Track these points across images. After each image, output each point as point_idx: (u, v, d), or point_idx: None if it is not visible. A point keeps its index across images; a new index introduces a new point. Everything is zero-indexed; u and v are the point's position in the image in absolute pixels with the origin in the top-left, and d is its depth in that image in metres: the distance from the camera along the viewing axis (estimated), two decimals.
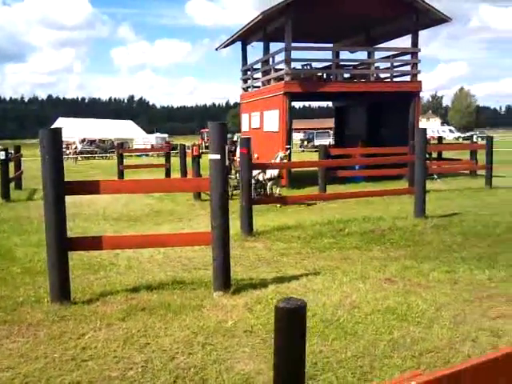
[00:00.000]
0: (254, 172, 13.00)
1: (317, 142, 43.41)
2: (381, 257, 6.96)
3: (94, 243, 5.45)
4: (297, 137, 62.06)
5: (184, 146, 16.11)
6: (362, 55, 22.08)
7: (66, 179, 5.01)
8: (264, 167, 11.51)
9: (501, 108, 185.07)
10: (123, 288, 5.51)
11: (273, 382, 1.35)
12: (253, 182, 13.08)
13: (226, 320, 4.59)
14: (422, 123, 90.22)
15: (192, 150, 13.90)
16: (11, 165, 15.67)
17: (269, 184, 12.95)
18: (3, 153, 13.87)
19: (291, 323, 1.23)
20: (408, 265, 6.40)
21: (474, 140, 24.50)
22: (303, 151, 47.71)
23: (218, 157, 4.92)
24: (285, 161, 12.86)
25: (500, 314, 4.64)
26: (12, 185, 15.03)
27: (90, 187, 5.23)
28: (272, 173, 12.66)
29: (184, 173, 15.23)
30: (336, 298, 5.09)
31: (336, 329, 4.37)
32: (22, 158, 18.49)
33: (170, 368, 3.72)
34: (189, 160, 14.62)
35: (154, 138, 53.79)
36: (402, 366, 3.69)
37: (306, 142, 53.75)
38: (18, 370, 3.69)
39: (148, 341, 4.18)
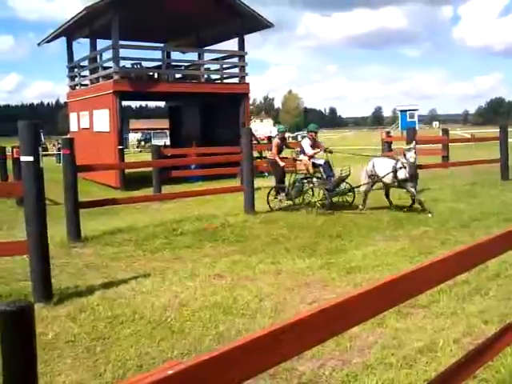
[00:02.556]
0: (381, 171, 9.83)
1: (154, 143, 42.94)
2: (212, 254, 7.10)
3: None
4: (135, 137, 60.72)
5: (4, 148, 14.76)
6: (194, 56, 22.33)
7: None
8: (91, 169, 10.98)
9: (325, 110, 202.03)
10: None
11: None
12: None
13: (47, 332, 4.31)
14: (257, 124, 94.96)
15: (12, 152, 12.81)
16: None
17: (409, 185, 9.58)
18: None
19: (15, 326, 1.17)
20: (237, 259, 6.63)
21: (299, 139, 26.29)
22: (141, 152, 46.78)
23: (30, 159, 4.57)
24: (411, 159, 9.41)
25: (316, 298, 5.04)
26: None
27: None
28: (405, 172, 9.50)
29: (4, 177, 13.96)
30: (165, 299, 5.08)
31: (164, 329, 4.37)
32: None
33: None
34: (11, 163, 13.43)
35: None
36: None
37: (143, 143, 52.83)
38: None
39: None
